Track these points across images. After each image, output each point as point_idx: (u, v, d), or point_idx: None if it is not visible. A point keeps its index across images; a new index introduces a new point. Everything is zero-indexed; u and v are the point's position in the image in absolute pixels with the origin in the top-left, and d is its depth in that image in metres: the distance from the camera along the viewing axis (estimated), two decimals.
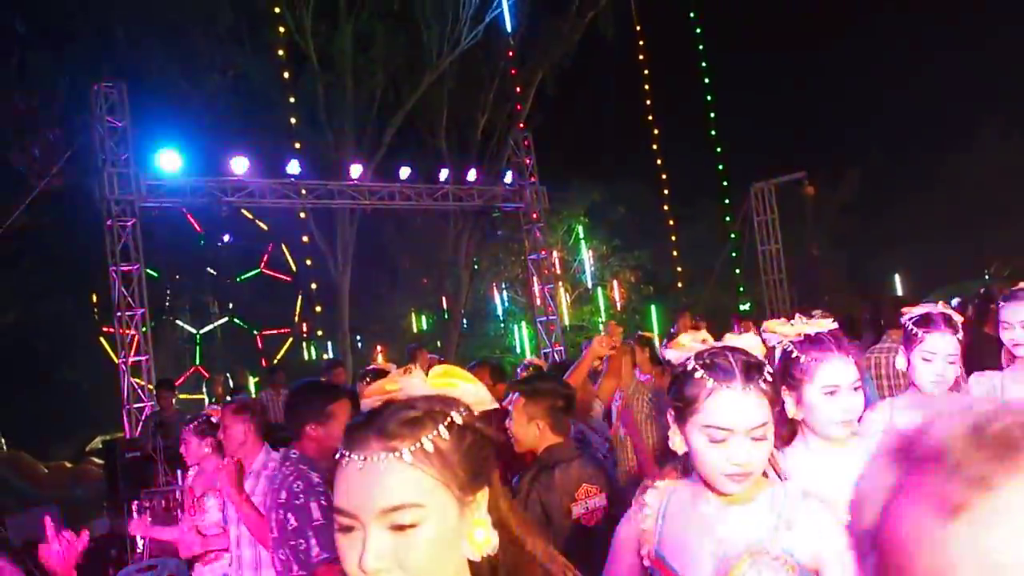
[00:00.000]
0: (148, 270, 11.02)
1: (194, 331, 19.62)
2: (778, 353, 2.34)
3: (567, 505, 3.07)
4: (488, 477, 1.17)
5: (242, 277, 19.68)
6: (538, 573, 1.21)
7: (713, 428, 1.69)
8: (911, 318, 2.95)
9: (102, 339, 16.40)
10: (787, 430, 2.34)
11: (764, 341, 2.35)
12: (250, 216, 17.73)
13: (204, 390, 16.42)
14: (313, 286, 18.54)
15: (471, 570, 1.16)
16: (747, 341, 1.79)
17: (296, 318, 20.19)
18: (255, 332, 20.20)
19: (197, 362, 18.86)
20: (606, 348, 4.61)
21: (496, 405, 1.25)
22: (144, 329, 10.87)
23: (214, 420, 4.41)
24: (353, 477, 1.08)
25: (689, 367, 1.75)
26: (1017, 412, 0.47)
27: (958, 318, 2.95)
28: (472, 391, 1.18)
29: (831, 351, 2.24)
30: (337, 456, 1.13)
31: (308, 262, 18.30)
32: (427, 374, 1.19)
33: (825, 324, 2.31)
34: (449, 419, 1.12)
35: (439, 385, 1.17)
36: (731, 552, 1.73)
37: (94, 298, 17.21)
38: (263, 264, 19.90)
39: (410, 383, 1.16)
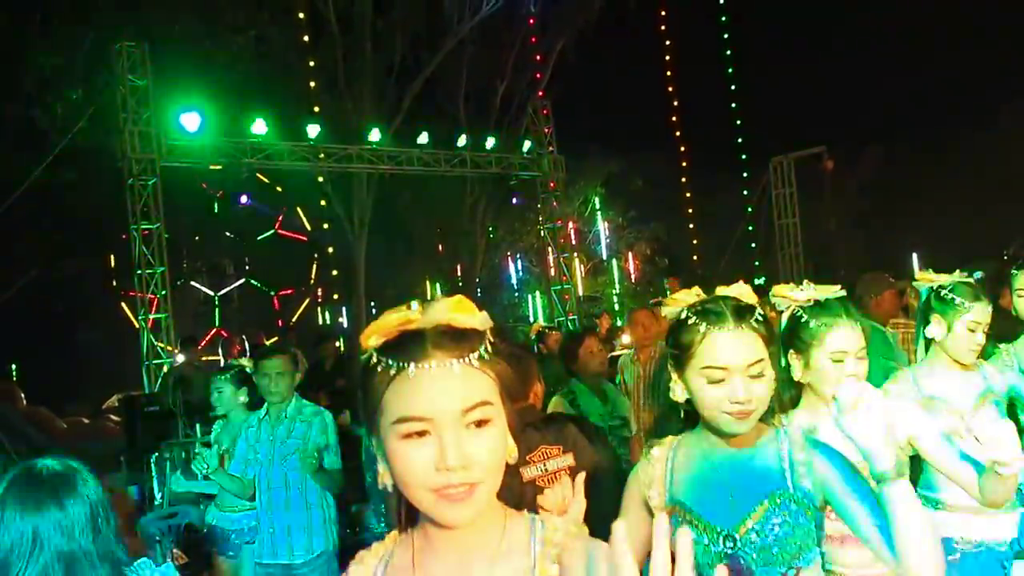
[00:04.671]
0: (166, 234, 11.11)
1: (212, 293, 19.77)
2: (785, 317, 2.38)
3: (516, 468, 3.01)
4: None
5: (260, 238, 19.75)
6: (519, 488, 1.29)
7: (711, 369, 1.74)
8: (950, 288, 2.96)
9: (122, 302, 16.55)
10: (792, 393, 2.38)
11: (772, 306, 2.39)
12: (266, 180, 17.76)
13: (220, 351, 16.56)
14: (330, 250, 18.57)
15: None
16: (737, 289, 1.84)
17: (312, 280, 20.29)
18: (272, 293, 20.31)
19: (217, 324, 19.02)
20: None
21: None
22: (164, 288, 10.99)
23: (248, 371, 4.53)
24: (425, 383, 1.11)
25: (683, 316, 1.81)
26: None
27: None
28: (488, 321, 1.21)
29: (840, 317, 2.29)
30: (383, 368, 1.14)
31: (325, 226, 18.33)
32: None
33: (833, 290, 2.34)
34: (488, 338, 1.18)
35: (458, 312, 1.19)
36: (750, 496, 1.78)
37: (112, 259, 17.33)
38: (277, 225, 19.96)
39: (433, 310, 1.17)
